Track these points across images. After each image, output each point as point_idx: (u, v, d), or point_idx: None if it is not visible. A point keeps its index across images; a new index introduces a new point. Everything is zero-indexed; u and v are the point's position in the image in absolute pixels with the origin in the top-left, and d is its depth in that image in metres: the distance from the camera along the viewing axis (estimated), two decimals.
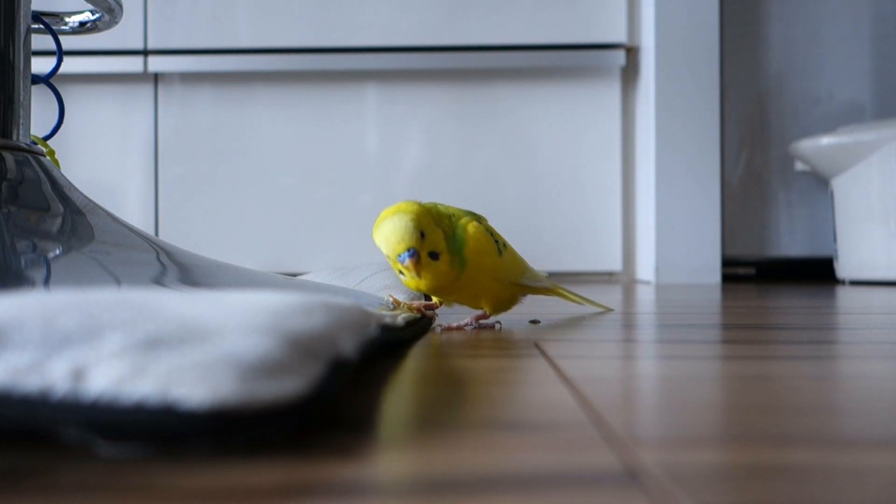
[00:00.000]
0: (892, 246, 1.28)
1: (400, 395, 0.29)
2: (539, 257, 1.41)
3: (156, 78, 1.52)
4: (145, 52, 1.49)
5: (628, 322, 0.58)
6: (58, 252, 0.46)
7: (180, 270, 0.49)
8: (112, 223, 0.49)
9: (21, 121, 0.50)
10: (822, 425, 0.23)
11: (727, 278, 1.47)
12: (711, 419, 0.25)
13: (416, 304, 0.51)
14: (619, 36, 1.49)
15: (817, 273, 1.57)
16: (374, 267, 0.67)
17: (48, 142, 0.55)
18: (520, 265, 0.53)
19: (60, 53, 0.57)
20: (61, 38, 0.58)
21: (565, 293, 0.60)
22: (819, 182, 1.53)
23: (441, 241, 0.46)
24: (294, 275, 0.72)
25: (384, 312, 0.45)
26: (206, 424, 0.18)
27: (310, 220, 1.51)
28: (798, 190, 1.55)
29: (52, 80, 0.56)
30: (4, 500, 0.16)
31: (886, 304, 0.80)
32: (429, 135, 1.53)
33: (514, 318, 0.56)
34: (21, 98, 0.50)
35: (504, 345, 0.43)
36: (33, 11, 0.54)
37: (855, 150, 1.32)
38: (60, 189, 0.49)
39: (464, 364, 0.36)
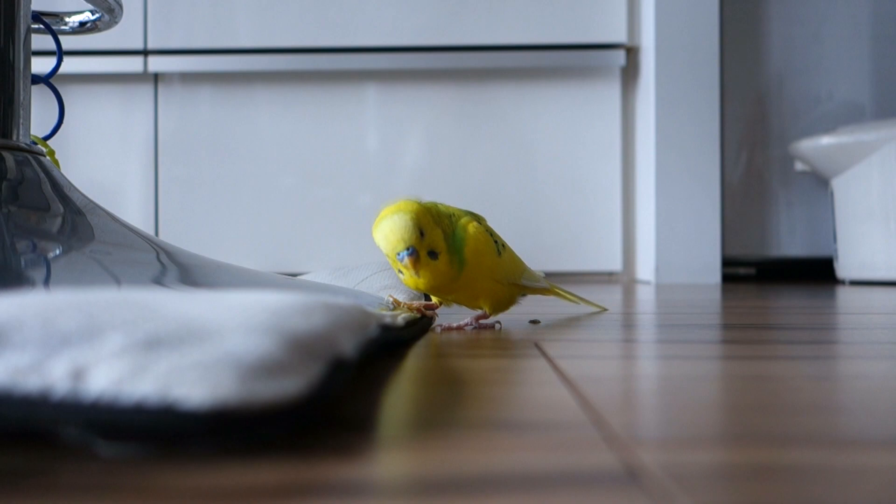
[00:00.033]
0: (892, 246, 1.28)
1: (400, 395, 0.29)
2: (539, 257, 1.41)
3: (156, 78, 1.52)
4: (145, 52, 1.49)
5: (628, 322, 0.58)
6: (58, 252, 0.46)
7: (180, 270, 0.49)
8: (112, 223, 0.49)
9: (21, 121, 0.50)
10: (822, 425, 0.23)
11: (727, 278, 1.47)
12: (711, 419, 0.25)
13: (416, 304, 0.51)
14: (619, 36, 1.49)
15: (817, 273, 1.57)
16: (374, 267, 0.67)
17: (48, 142, 0.55)
18: (518, 265, 0.54)
19: (60, 53, 0.57)
20: (61, 38, 0.58)
21: (562, 293, 0.61)
22: (819, 182, 1.53)
23: (440, 240, 0.46)
24: (294, 275, 0.72)
25: (384, 312, 0.45)
26: (206, 424, 0.18)
27: (310, 219, 1.51)
28: (798, 190, 1.55)
29: (52, 80, 0.56)
30: (4, 500, 0.16)
31: (886, 304, 0.80)
32: (428, 135, 1.53)
33: (514, 318, 0.56)
34: (21, 98, 0.50)
35: (504, 345, 0.43)
36: (33, 11, 0.54)
37: (855, 150, 1.32)
38: (60, 189, 0.49)
39: (463, 364, 0.36)
